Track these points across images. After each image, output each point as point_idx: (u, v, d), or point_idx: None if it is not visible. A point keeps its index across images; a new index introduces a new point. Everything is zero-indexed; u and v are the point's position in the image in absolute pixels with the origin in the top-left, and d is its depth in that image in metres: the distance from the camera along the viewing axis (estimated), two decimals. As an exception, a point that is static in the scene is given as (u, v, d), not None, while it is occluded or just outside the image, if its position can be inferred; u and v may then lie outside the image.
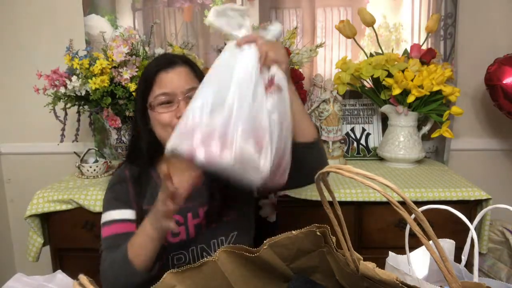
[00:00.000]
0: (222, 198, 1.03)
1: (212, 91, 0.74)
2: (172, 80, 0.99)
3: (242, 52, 0.77)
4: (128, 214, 0.99)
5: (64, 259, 1.52)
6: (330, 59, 1.89)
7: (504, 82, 1.64)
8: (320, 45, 1.66)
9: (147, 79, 1.02)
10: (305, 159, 0.85)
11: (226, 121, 0.69)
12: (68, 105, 1.55)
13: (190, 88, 0.99)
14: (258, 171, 0.70)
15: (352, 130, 1.87)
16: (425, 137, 1.78)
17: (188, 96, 0.99)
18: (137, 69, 1.48)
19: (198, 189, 1.05)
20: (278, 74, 0.79)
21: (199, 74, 1.05)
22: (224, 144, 0.68)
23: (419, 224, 0.43)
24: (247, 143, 0.69)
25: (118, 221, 0.98)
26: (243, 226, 1.06)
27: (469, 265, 0.77)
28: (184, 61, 1.04)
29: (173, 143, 0.73)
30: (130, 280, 0.88)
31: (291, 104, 0.82)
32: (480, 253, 1.31)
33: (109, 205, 1.01)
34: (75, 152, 1.71)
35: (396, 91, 1.59)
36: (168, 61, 1.02)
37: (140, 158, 1.05)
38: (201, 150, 0.69)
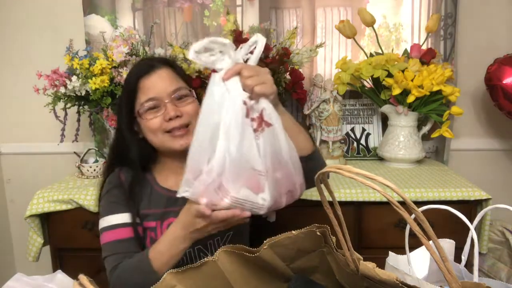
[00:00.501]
0: None
1: (206, 137, 0.75)
2: (155, 84, 0.99)
3: (228, 91, 0.75)
4: (127, 217, 0.99)
5: (64, 259, 1.52)
6: (330, 59, 1.88)
7: (504, 82, 1.64)
8: (320, 45, 1.66)
9: (130, 88, 1.01)
10: (306, 169, 0.86)
11: (221, 171, 0.73)
12: (68, 105, 1.55)
13: (175, 89, 0.99)
14: (259, 206, 0.76)
15: (352, 130, 1.87)
16: (425, 137, 1.78)
17: (174, 97, 0.99)
18: (137, 69, 1.48)
19: None
20: (266, 108, 0.76)
21: (181, 73, 1.04)
22: (222, 193, 0.75)
23: (419, 224, 0.43)
24: (240, 190, 0.74)
25: (120, 226, 0.97)
26: (239, 226, 1.05)
27: (469, 265, 0.77)
28: (164, 62, 1.03)
29: (181, 190, 0.79)
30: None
31: (284, 124, 0.81)
32: (480, 253, 1.31)
33: (108, 209, 1.00)
34: (75, 152, 1.71)
35: (396, 91, 1.59)
36: (147, 66, 1.01)
37: (133, 163, 1.04)
38: (203, 199, 0.76)
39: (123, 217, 0.98)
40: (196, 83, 1.57)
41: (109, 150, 1.22)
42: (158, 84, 0.99)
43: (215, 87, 0.76)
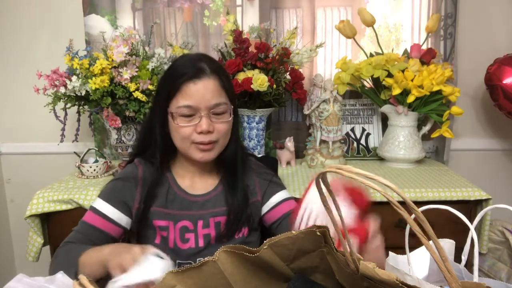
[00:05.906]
0: (236, 216, 1.02)
1: None
2: (198, 92, 0.95)
3: None
4: (112, 212, 0.99)
5: (64, 259, 1.52)
6: (330, 59, 1.88)
7: (504, 82, 1.64)
8: (320, 45, 1.66)
9: (172, 86, 0.97)
10: None
11: None
12: (68, 105, 1.55)
13: (215, 103, 0.96)
14: None
15: (352, 130, 1.87)
16: (425, 137, 1.78)
17: (212, 111, 0.96)
18: (137, 69, 1.48)
19: (213, 199, 1.05)
20: None
21: (226, 85, 0.99)
22: None
23: (419, 224, 0.43)
24: None
25: (104, 217, 0.98)
26: (252, 245, 1.06)
27: (469, 265, 0.77)
28: (213, 70, 0.97)
29: None
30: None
31: None
32: (480, 253, 1.31)
33: (107, 196, 1.01)
34: (75, 152, 1.71)
35: (396, 91, 1.59)
36: (196, 69, 0.96)
37: (154, 157, 1.04)
38: None
39: (113, 212, 0.99)
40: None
41: (136, 141, 1.29)
42: (201, 94, 0.95)
43: None
